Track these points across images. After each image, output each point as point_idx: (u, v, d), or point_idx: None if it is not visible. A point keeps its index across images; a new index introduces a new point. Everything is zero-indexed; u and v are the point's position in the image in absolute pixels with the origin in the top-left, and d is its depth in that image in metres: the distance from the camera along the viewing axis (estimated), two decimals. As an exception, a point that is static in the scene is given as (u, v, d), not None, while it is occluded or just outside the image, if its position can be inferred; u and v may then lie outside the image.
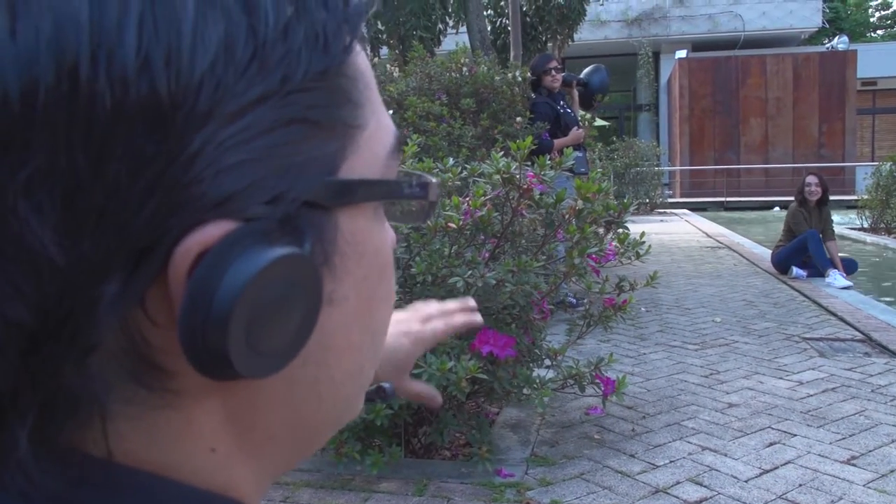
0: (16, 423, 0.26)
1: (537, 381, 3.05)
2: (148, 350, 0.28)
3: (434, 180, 0.39)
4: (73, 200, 0.25)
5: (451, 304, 0.82)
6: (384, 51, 11.79)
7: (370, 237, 0.35)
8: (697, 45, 24.95)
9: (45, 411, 0.27)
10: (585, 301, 4.69)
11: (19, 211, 0.24)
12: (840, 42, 23.66)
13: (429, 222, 2.90)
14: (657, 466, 3.12)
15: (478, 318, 0.81)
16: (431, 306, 0.81)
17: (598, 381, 3.25)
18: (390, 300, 0.39)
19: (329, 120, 0.31)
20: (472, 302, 0.82)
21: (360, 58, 0.33)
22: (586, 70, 6.80)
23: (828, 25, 28.46)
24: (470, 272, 2.82)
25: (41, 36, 0.24)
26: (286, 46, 0.28)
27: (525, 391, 3.11)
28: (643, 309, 6.42)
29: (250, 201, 0.28)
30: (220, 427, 0.32)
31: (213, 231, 0.27)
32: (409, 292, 3.00)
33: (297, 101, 0.29)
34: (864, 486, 2.89)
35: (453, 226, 2.87)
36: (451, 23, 10.66)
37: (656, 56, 25.38)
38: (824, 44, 25.80)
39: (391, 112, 5.49)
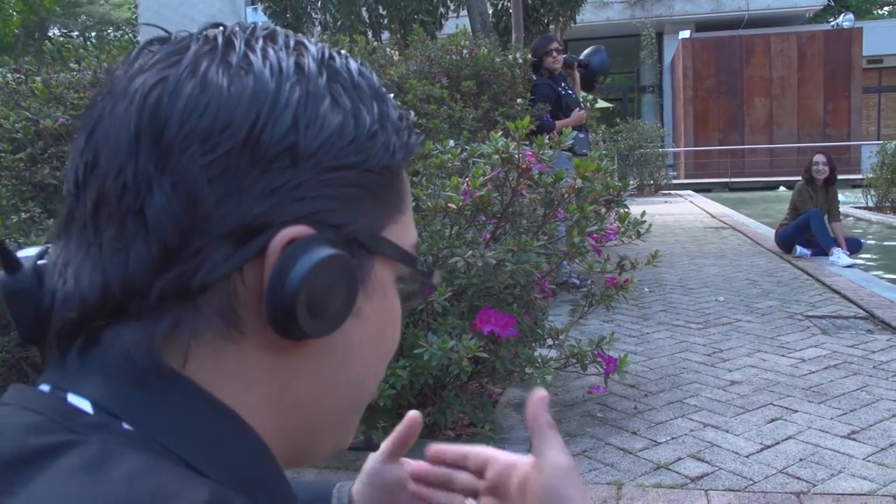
0: (131, 319, 0.42)
1: (539, 360, 3.07)
2: (235, 302, 0.43)
3: (437, 274, 0.56)
4: (231, 178, 0.42)
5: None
6: (385, 35, 11.74)
7: (389, 287, 0.51)
8: (701, 26, 24.76)
9: (153, 319, 0.42)
10: (588, 282, 4.71)
11: (196, 174, 0.41)
12: (845, 20, 23.46)
13: (430, 203, 2.92)
14: (659, 443, 3.15)
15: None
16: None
17: (599, 359, 3.27)
18: (394, 341, 0.54)
19: (383, 196, 0.48)
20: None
21: (405, 180, 0.52)
22: (586, 51, 6.77)
23: (833, 3, 28.19)
24: (470, 252, 2.83)
25: (245, 94, 0.43)
26: (371, 143, 0.47)
27: (527, 370, 3.13)
28: (646, 289, 6.43)
29: (324, 220, 0.44)
30: (263, 377, 0.45)
31: (301, 230, 0.43)
32: (410, 273, 3.02)
33: (368, 176, 0.47)
34: (863, 459, 2.92)
35: (453, 206, 2.88)
36: (452, 6, 10.60)
37: (659, 37, 25.22)
38: (829, 22, 25.59)
39: (392, 95, 5.48)
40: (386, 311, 0.51)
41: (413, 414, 0.74)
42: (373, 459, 0.74)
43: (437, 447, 0.70)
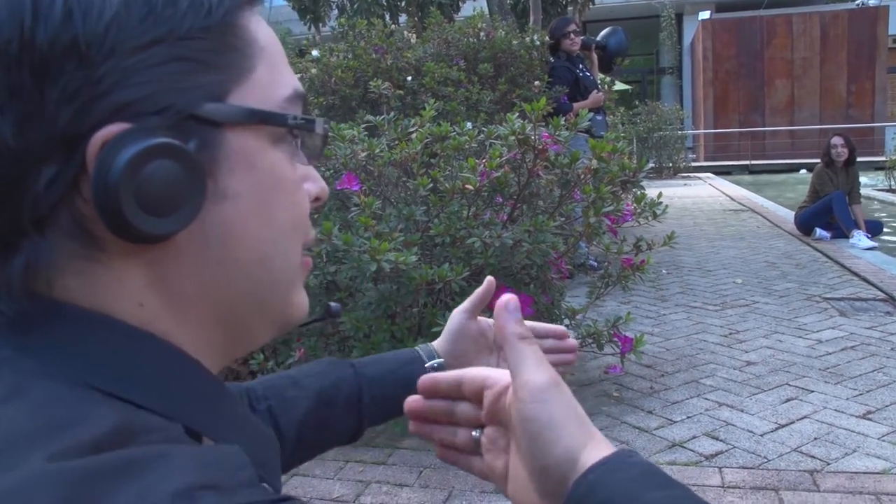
0: None
1: (555, 339, 3.11)
2: (83, 220, 0.41)
3: (323, 123, 0.51)
4: (21, 102, 0.39)
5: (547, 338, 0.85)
6: (403, 18, 11.74)
7: (262, 155, 0.46)
8: (721, 6, 24.47)
9: (6, 261, 0.41)
10: (606, 263, 4.73)
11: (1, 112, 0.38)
12: (870, -2, 23.09)
13: (447, 184, 2.96)
14: (674, 422, 3.18)
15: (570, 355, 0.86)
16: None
17: (616, 339, 3.30)
18: (293, 211, 0.49)
19: (213, 61, 0.43)
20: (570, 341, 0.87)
21: (255, 28, 0.47)
22: (603, 33, 6.74)
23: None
24: (487, 233, 2.87)
25: (6, 10, 0.39)
26: (174, 9, 0.42)
27: (544, 350, 3.16)
28: (664, 271, 6.44)
29: (142, 110, 0.40)
30: (146, 287, 0.43)
31: (113, 129, 0.40)
32: (428, 253, 3.07)
33: (185, 45, 0.42)
34: (878, 439, 2.94)
35: (470, 188, 2.91)
36: (469, -12, 10.58)
37: (679, 18, 24.96)
38: (855, 0, 25.20)
39: (409, 78, 5.52)
40: (262, 180, 0.46)
41: (490, 278, 0.84)
42: (456, 318, 0.84)
43: (429, 377, 0.60)
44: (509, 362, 0.50)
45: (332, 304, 0.70)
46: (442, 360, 0.83)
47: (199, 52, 0.43)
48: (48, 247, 0.41)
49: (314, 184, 0.52)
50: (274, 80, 0.47)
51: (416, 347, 0.85)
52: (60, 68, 0.39)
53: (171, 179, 0.41)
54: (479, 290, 0.84)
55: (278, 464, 0.51)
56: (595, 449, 0.47)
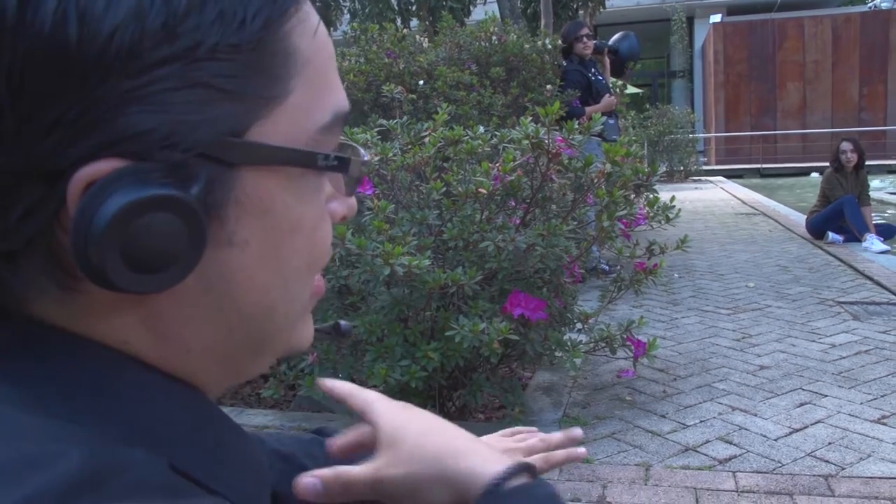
0: None
1: (569, 343, 3.11)
2: (61, 254, 0.35)
3: (361, 157, 0.43)
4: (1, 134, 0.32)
5: (555, 436, 0.74)
6: (414, 22, 11.77)
7: (280, 197, 0.39)
8: (732, 9, 24.42)
9: None
10: (618, 267, 4.73)
11: None
12: (883, 1, 22.97)
13: (460, 188, 2.96)
14: (687, 426, 3.18)
15: (581, 451, 0.73)
16: (534, 438, 0.74)
17: (628, 343, 3.30)
18: (311, 253, 0.43)
19: (238, 89, 0.35)
20: (578, 432, 0.75)
21: (297, 36, 0.38)
22: (615, 37, 6.75)
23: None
24: (501, 236, 2.88)
25: None
26: (199, 19, 0.33)
27: (557, 354, 3.17)
28: (676, 275, 6.43)
29: (143, 146, 0.33)
30: (133, 327, 0.38)
31: (102, 166, 0.33)
32: (441, 257, 3.08)
33: (205, 67, 0.34)
34: (893, 444, 2.92)
35: (484, 191, 2.92)
36: (480, -8, 10.60)
37: (690, 21, 24.91)
38: (867, 2, 25.07)
39: (421, 82, 5.54)
40: (276, 226, 0.39)
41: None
42: None
43: (327, 382, 0.60)
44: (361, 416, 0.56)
45: (343, 322, 0.68)
46: None
47: (222, 78, 0.35)
48: (21, 280, 0.36)
49: (341, 203, 0.46)
50: (311, 106, 0.39)
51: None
52: (43, 84, 0.31)
53: (167, 234, 0.34)
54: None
55: (268, 493, 0.46)
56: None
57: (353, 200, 0.47)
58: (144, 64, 0.32)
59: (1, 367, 0.36)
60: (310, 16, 0.40)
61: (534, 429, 0.77)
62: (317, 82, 0.40)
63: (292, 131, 0.38)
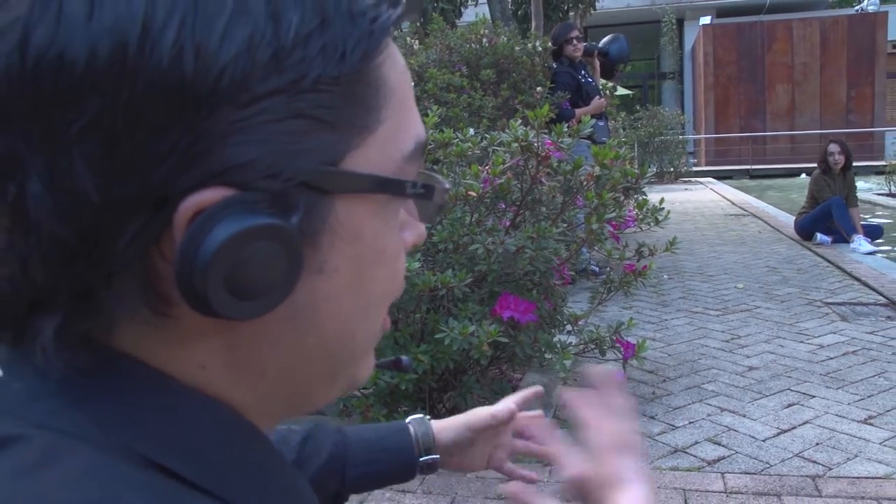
0: (48, 315, 0.35)
1: (558, 345, 3.13)
2: (157, 280, 0.36)
3: (443, 185, 0.45)
4: (111, 153, 0.33)
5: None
6: (405, 24, 11.76)
7: (370, 224, 0.40)
8: (722, 11, 24.53)
9: (72, 311, 0.35)
10: (607, 269, 4.75)
11: (72, 154, 0.32)
12: (870, 4, 23.13)
13: (450, 191, 2.97)
14: (676, 427, 3.20)
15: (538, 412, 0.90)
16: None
17: (618, 345, 3.32)
18: (391, 282, 0.44)
19: (335, 119, 0.37)
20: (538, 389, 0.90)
21: (387, 68, 0.40)
22: (605, 39, 6.77)
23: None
24: (490, 239, 2.89)
25: (105, 24, 0.32)
26: (304, 52, 0.35)
27: (547, 356, 3.18)
28: (665, 276, 6.45)
29: (248, 175, 0.34)
30: (212, 351, 0.39)
31: (211, 195, 0.34)
32: (431, 259, 3.08)
33: (308, 99, 0.35)
34: (880, 444, 2.95)
35: (473, 194, 2.93)
36: (471, -6, 10.62)
37: (680, 23, 25.00)
38: (854, 6, 25.23)
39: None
40: (365, 254, 0.41)
41: (538, 388, 0.89)
42: (482, 419, 0.85)
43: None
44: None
45: (404, 358, 0.70)
46: (437, 456, 0.83)
47: (323, 109, 0.36)
48: (114, 301, 0.36)
49: (412, 232, 0.47)
50: (398, 134, 0.41)
51: (410, 421, 0.85)
52: (158, 116, 0.32)
53: (269, 262, 0.35)
54: (516, 400, 0.87)
55: None
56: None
57: (422, 228, 0.48)
58: (253, 95, 0.34)
59: (79, 397, 0.36)
60: (395, 49, 0.42)
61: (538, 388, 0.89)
62: (401, 112, 0.41)
63: (381, 160, 0.40)
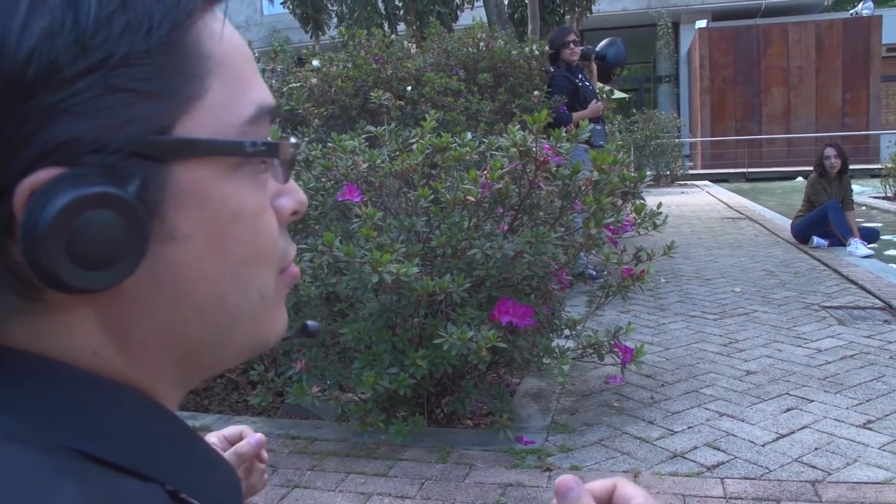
0: None
1: (557, 350, 3.12)
2: (18, 268, 0.37)
3: (289, 142, 0.46)
4: None
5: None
6: (402, 27, 11.78)
7: (216, 187, 0.41)
8: (717, 15, 24.57)
9: None
10: (605, 273, 4.74)
11: None
12: (865, 7, 23.20)
13: (448, 196, 2.97)
14: (675, 432, 3.19)
15: (258, 436, 0.83)
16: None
17: (616, 349, 3.31)
18: (257, 241, 0.44)
19: (156, 90, 0.38)
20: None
21: (207, 40, 0.42)
22: (602, 43, 6.78)
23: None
24: (489, 244, 2.88)
25: None
26: (108, 32, 0.37)
27: (545, 360, 3.18)
28: (663, 280, 6.45)
29: (74, 151, 0.36)
30: (98, 334, 0.40)
31: (41, 175, 0.35)
32: (429, 264, 3.08)
33: (122, 73, 0.37)
34: (879, 448, 2.94)
35: (471, 199, 2.92)
36: (467, -3, 10.63)
37: (675, 26, 25.04)
38: (848, 10, 25.31)
39: (409, 88, 5.53)
40: (216, 216, 0.41)
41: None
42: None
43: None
44: None
45: (310, 322, 0.68)
46: None
47: (139, 81, 0.38)
48: None
49: (290, 198, 0.48)
50: (233, 101, 0.42)
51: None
52: None
53: (108, 230, 0.37)
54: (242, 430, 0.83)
55: (241, 500, 0.47)
56: None
57: (301, 194, 0.49)
58: (64, 77, 0.35)
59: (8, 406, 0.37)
60: (223, 25, 0.43)
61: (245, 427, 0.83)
62: (235, 80, 0.43)
63: (215, 125, 0.41)
